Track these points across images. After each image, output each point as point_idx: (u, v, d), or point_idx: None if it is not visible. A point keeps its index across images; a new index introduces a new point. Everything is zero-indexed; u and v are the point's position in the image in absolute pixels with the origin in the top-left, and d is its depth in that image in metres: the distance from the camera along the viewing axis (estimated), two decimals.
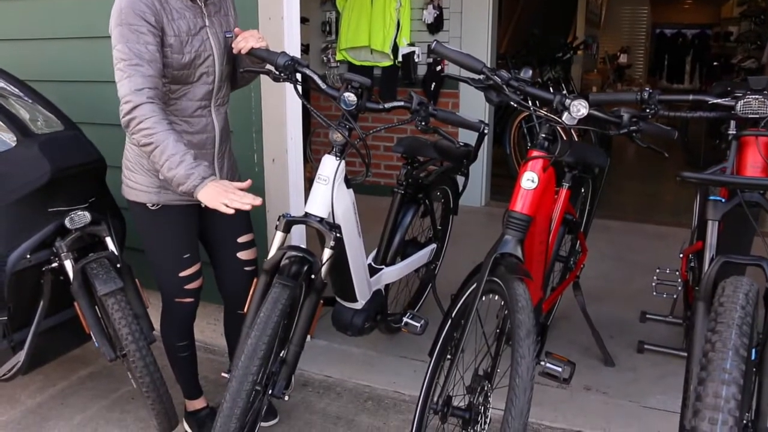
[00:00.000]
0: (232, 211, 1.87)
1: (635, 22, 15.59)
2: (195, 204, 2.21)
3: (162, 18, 1.99)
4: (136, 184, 2.21)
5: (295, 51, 2.82)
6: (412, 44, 5.34)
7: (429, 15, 5.25)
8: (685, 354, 2.27)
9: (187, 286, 2.32)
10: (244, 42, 2.13)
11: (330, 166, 2.15)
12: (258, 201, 1.90)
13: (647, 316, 3.40)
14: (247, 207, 1.87)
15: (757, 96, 2.03)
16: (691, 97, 2.15)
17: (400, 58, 5.36)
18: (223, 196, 1.87)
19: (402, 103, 2.13)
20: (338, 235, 2.13)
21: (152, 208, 2.21)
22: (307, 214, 2.15)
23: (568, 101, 1.94)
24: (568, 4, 9.91)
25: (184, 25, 2.06)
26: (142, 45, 1.94)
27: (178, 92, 2.12)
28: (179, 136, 1.96)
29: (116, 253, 2.46)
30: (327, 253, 2.13)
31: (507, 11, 8.97)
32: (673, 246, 3.44)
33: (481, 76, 2.02)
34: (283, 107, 2.79)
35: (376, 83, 5.49)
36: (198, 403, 2.57)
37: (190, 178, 1.90)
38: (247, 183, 1.97)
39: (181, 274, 2.30)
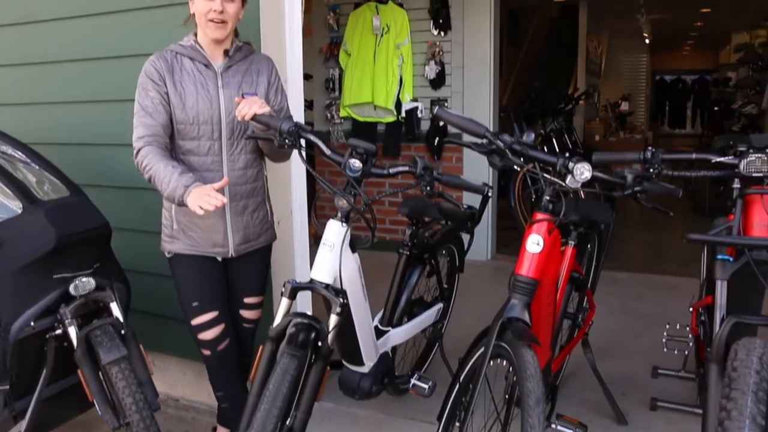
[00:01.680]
0: (201, 212, 2.01)
1: (635, 70, 15.77)
2: (210, 257, 2.37)
3: (165, 76, 2.25)
4: (161, 234, 2.42)
5: (298, 108, 2.84)
6: (415, 99, 5.40)
7: (431, 71, 5.31)
8: (700, 411, 2.22)
9: (200, 336, 2.40)
10: (247, 108, 2.16)
11: (335, 232, 2.14)
12: (220, 202, 2.01)
13: (659, 371, 3.34)
14: (211, 208, 2.00)
15: (760, 155, 2.03)
16: (694, 155, 2.15)
17: (403, 114, 5.41)
18: (198, 200, 2.03)
19: (407, 168, 2.15)
20: (344, 301, 2.12)
21: (168, 255, 2.41)
22: (312, 280, 2.14)
23: (571, 164, 1.94)
24: (568, 55, 10.04)
25: (190, 84, 2.26)
26: (148, 100, 2.24)
27: (184, 147, 2.28)
28: (169, 161, 2.18)
29: (121, 319, 2.45)
30: (333, 319, 2.11)
31: (508, 64, 9.10)
32: (682, 297, 3.39)
33: (484, 140, 2.03)
34: (287, 169, 2.80)
35: (380, 138, 5.53)
36: None
37: (176, 191, 2.09)
38: (224, 181, 2.13)
39: (192, 322, 2.39)
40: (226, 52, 2.31)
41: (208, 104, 2.27)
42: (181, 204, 2.10)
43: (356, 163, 2.10)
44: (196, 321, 2.38)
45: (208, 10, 2.20)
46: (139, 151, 2.21)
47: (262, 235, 2.45)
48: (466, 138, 2.19)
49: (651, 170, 1.98)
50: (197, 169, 2.28)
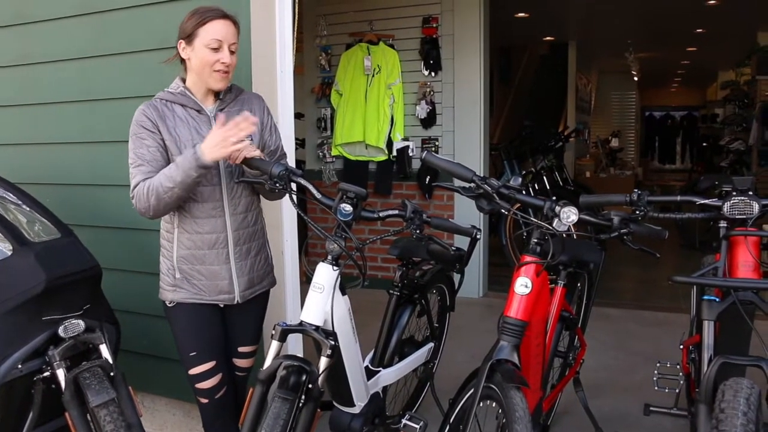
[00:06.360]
0: (235, 147, 2.07)
1: (625, 107, 15.99)
2: (211, 305, 2.31)
3: (159, 123, 2.21)
4: (161, 282, 2.36)
5: (290, 146, 2.87)
6: (406, 139, 5.44)
7: (422, 110, 5.37)
8: None
9: (197, 385, 2.35)
10: (237, 152, 2.15)
11: (326, 275, 2.14)
12: (251, 124, 2.07)
13: (651, 408, 3.32)
14: (243, 134, 2.05)
15: (742, 197, 2.07)
16: (678, 198, 2.19)
17: (394, 153, 5.45)
18: (219, 146, 2.05)
19: (396, 212, 2.16)
20: (335, 343, 2.12)
21: (169, 305, 2.33)
22: (302, 323, 2.14)
23: (558, 208, 1.97)
24: (558, 92, 10.17)
25: (184, 131, 2.22)
26: (144, 148, 2.19)
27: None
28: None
29: (110, 361, 2.43)
30: (324, 361, 2.11)
31: (498, 103, 9.22)
32: (673, 333, 3.40)
33: (471, 185, 2.06)
34: (279, 211, 2.82)
35: (372, 177, 5.57)
36: None
37: (187, 159, 2.08)
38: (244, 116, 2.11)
39: (190, 372, 2.34)
40: (216, 95, 2.29)
41: None
42: (203, 167, 2.07)
43: (347, 208, 2.10)
44: (194, 371, 2.32)
45: (215, 61, 2.17)
46: (135, 187, 2.15)
47: (265, 278, 2.43)
48: (456, 182, 2.22)
49: (637, 212, 2.02)
50: (198, 217, 2.24)
